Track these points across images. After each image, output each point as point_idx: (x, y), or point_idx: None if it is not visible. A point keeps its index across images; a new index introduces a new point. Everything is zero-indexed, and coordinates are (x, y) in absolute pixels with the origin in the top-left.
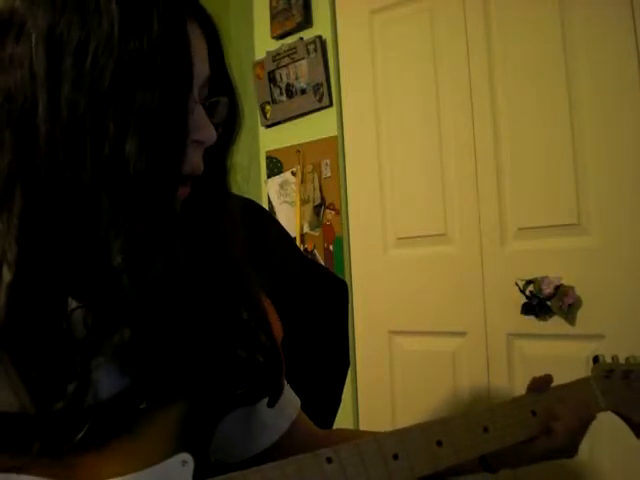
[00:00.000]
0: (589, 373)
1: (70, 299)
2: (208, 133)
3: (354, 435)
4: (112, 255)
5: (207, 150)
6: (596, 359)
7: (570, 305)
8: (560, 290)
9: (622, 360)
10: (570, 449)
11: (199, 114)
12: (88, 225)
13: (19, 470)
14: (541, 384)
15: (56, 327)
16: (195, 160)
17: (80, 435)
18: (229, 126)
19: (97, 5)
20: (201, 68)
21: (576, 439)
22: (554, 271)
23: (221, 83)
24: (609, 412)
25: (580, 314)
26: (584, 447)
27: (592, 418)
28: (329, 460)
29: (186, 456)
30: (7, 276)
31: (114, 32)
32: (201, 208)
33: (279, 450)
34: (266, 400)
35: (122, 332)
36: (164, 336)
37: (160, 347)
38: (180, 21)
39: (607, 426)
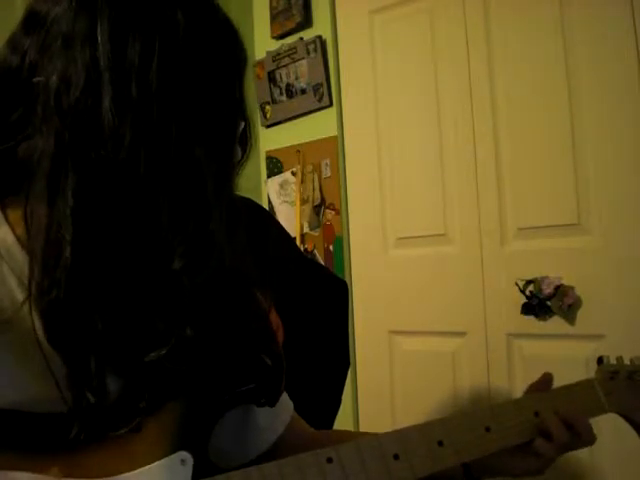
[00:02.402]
0: (589, 373)
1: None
2: (238, 152)
3: (351, 436)
4: (174, 260)
5: None
6: (600, 360)
7: (570, 305)
8: (560, 290)
9: (627, 361)
10: (571, 448)
11: None
12: (149, 225)
13: (13, 468)
14: (541, 385)
15: (111, 316)
16: None
17: (126, 429)
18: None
19: (162, 12)
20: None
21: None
22: (554, 271)
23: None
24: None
25: (580, 314)
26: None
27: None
28: (329, 460)
29: (185, 455)
30: (65, 254)
31: (179, 37)
32: None
33: (275, 454)
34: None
35: (184, 329)
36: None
37: (201, 347)
38: (235, 38)
39: (608, 426)
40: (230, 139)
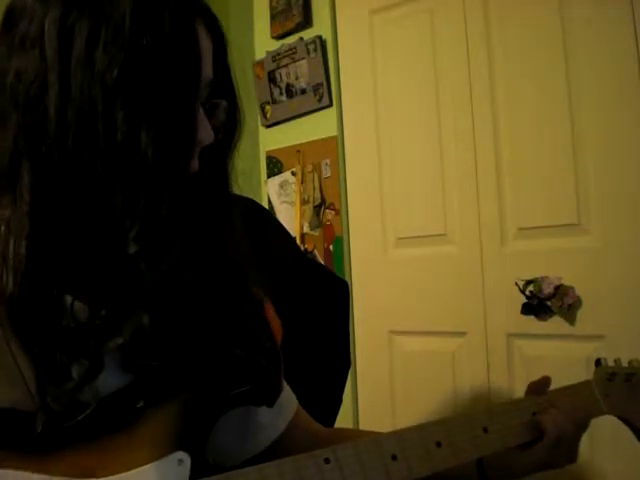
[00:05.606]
0: (589, 373)
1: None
2: (205, 133)
3: (356, 435)
4: (128, 244)
5: (209, 153)
6: (598, 362)
7: (570, 305)
8: (560, 290)
9: (625, 363)
10: (566, 454)
11: (199, 114)
12: (102, 211)
13: (13, 466)
14: (540, 386)
15: (65, 309)
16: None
17: (81, 417)
18: (229, 130)
19: None
20: (205, 69)
21: (571, 444)
22: (554, 271)
23: (223, 86)
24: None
25: (580, 314)
26: (584, 448)
27: (587, 423)
28: (327, 460)
29: (182, 455)
30: (20, 250)
31: (125, 25)
32: (203, 211)
33: (278, 450)
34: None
35: (140, 317)
36: (171, 328)
37: (166, 340)
38: (190, 20)
39: (608, 427)
40: (184, 121)
